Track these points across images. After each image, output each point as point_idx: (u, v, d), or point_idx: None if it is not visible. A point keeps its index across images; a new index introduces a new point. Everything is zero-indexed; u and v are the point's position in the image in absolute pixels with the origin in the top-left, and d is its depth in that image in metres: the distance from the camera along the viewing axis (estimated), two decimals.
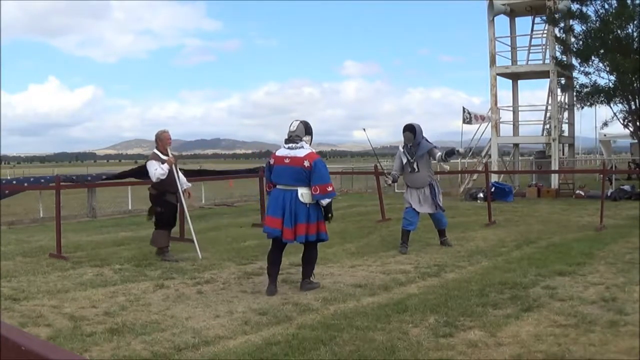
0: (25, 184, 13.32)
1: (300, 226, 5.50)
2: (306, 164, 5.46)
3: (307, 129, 5.75)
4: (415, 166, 7.85)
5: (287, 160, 5.56)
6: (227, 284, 6.01)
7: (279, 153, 5.71)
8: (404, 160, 7.95)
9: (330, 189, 5.56)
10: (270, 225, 5.59)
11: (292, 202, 5.49)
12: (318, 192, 5.46)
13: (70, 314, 4.92)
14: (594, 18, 16.18)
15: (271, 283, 5.65)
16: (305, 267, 5.79)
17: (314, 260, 5.80)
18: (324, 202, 5.53)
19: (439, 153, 7.84)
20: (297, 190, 5.51)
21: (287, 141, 5.69)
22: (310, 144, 5.76)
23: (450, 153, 8.04)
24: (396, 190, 16.94)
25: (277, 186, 5.66)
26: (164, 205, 7.51)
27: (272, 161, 5.74)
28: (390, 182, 8.45)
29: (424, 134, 7.98)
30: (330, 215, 5.69)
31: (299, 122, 5.76)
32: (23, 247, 8.52)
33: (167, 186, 7.47)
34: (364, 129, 8.37)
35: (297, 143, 5.61)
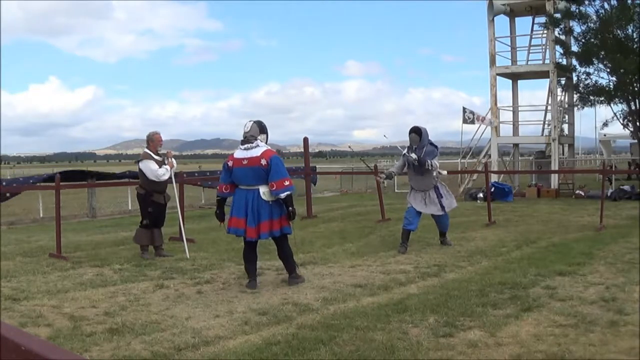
0: (14, 184, 13.23)
1: (263, 224, 5.69)
2: (263, 162, 5.64)
3: (261, 128, 5.91)
4: (421, 170, 7.82)
5: (245, 162, 5.73)
6: (227, 284, 6.01)
7: (236, 155, 5.86)
8: (409, 165, 7.91)
9: (287, 183, 5.69)
10: (234, 226, 5.79)
11: (255, 201, 5.68)
12: (275, 187, 5.64)
13: (70, 314, 4.93)
14: (594, 18, 16.19)
15: (251, 279, 5.89)
16: (285, 264, 6.03)
17: (290, 255, 6.01)
18: (282, 195, 5.68)
19: (415, 157, 7.68)
20: (258, 189, 5.70)
21: (242, 142, 5.85)
22: (266, 142, 5.92)
23: (421, 163, 7.74)
24: (396, 190, 16.95)
25: (240, 186, 5.83)
26: (152, 205, 7.56)
27: (230, 163, 5.86)
28: (383, 178, 8.45)
29: (429, 137, 7.96)
30: (291, 209, 5.77)
31: (252, 122, 5.92)
32: (23, 247, 8.53)
33: (154, 186, 7.52)
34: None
35: (252, 143, 5.77)
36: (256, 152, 5.71)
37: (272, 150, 5.81)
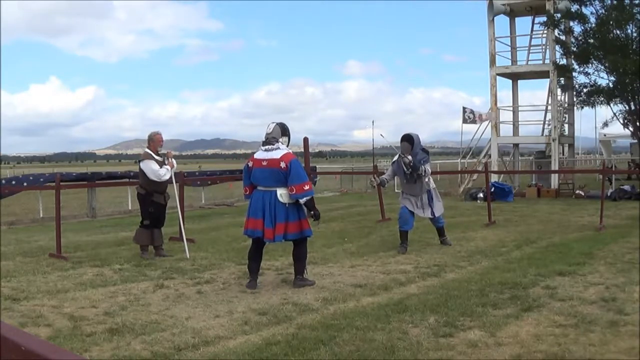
0: (25, 184, 13.28)
1: (279, 226, 5.66)
2: (282, 165, 5.60)
3: (283, 130, 5.89)
4: (413, 177, 7.81)
5: (264, 163, 5.71)
6: (227, 284, 6.01)
7: (257, 156, 5.84)
8: (401, 172, 7.91)
9: (306, 187, 5.68)
10: (251, 227, 5.77)
11: (272, 203, 5.66)
12: (294, 191, 5.61)
13: (70, 314, 4.92)
14: (593, 19, 16.20)
15: (252, 279, 5.86)
16: (296, 264, 5.95)
17: (303, 257, 5.95)
18: (302, 200, 5.67)
19: (415, 165, 7.62)
20: (276, 191, 5.66)
21: (264, 143, 5.83)
22: (287, 145, 5.90)
23: (415, 168, 7.70)
24: (396, 190, 16.93)
25: (258, 188, 5.81)
26: (152, 206, 7.56)
27: (250, 164, 5.86)
28: (375, 183, 8.50)
29: (421, 144, 7.96)
30: (312, 213, 5.80)
31: (275, 124, 5.90)
32: (23, 247, 8.53)
33: (155, 186, 7.52)
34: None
35: (274, 145, 5.75)
36: (276, 154, 5.68)
37: (292, 154, 5.77)
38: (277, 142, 5.77)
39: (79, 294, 5.62)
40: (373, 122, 8.68)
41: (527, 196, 16.69)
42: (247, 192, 5.96)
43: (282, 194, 5.64)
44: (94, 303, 5.27)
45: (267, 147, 5.76)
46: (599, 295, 5.14)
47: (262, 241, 5.86)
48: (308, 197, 5.69)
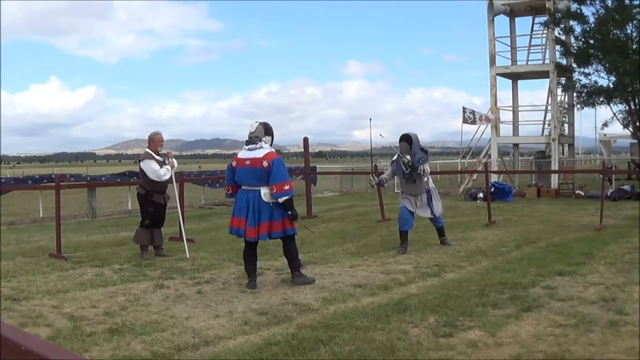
0: (30, 182, 13.30)
1: (263, 225, 5.69)
2: (265, 164, 5.64)
3: (266, 130, 5.93)
4: (412, 177, 7.81)
5: (247, 162, 5.75)
6: (227, 284, 6.02)
7: (240, 155, 5.89)
8: (400, 172, 7.91)
9: (286, 187, 5.69)
10: (236, 226, 5.82)
11: (256, 202, 5.69)
12: (275, 190, 5.64)
13: (70, 314, 4.93)
14: (593, 19, 16.19)
15: (251, 279, 5.89)
16: (290, 263, 5.99)
17: (295, 254, 5.99)
18: (281, 200, 5.68)
19: (416, 165, 7.63)
20: (259, 190, 5.70)
21: (247, 142, 5.87)
22: (271, 145, 5.94)
23: (414, 168, 7.69)
24: (396, 190, 16.94)
25: (242, 187, 5.85)
26: (152, 206, 7.57)
27: (234, 164, 5.90)
28: (374, 183, 8.54)
29: (420, 144, 7.96)
30: (290, 213, 5.78)
31: (258, 123, 5.95)
32: (23, 247, 8.53)
33: (155, 186, 7.52)
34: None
35: (257, 144, 5.79)
36: (259, 154, 5.72)
37: (275, 153, 5.82)
38: (261, 141, 5.81)
39: (79, 294, 5.63)
40: (370, 119, 8.74)
41: (527, 196, 16.68)
42: (230, 192, 6.00)
43: (265, 193, 5.68)
44: (94, 303, 5.27)
45: (250, 146, 5.81)
46: (599, 295, 5.14)
47: (252, 241, 5.87)
48: (287, 197, 5.69)
